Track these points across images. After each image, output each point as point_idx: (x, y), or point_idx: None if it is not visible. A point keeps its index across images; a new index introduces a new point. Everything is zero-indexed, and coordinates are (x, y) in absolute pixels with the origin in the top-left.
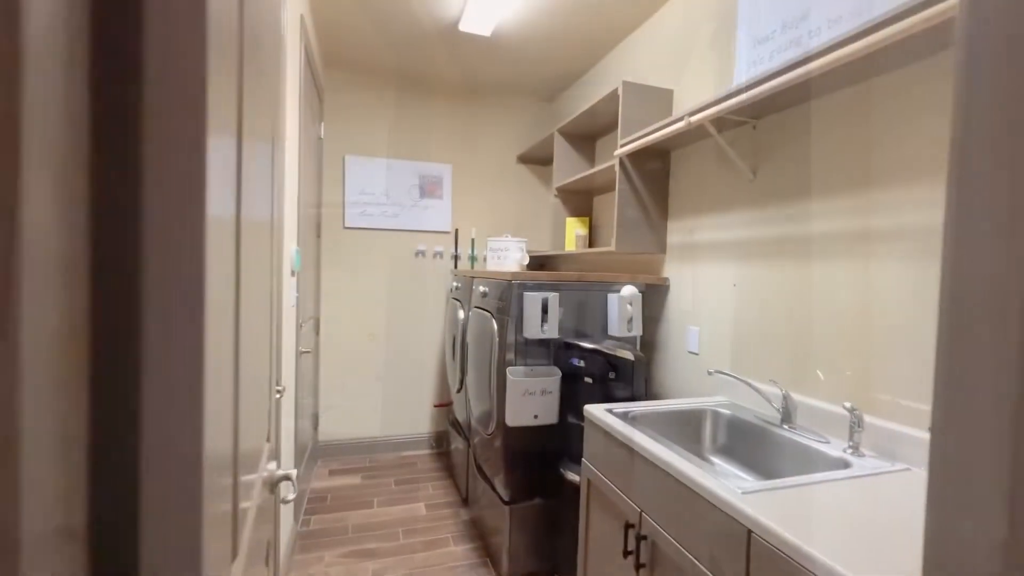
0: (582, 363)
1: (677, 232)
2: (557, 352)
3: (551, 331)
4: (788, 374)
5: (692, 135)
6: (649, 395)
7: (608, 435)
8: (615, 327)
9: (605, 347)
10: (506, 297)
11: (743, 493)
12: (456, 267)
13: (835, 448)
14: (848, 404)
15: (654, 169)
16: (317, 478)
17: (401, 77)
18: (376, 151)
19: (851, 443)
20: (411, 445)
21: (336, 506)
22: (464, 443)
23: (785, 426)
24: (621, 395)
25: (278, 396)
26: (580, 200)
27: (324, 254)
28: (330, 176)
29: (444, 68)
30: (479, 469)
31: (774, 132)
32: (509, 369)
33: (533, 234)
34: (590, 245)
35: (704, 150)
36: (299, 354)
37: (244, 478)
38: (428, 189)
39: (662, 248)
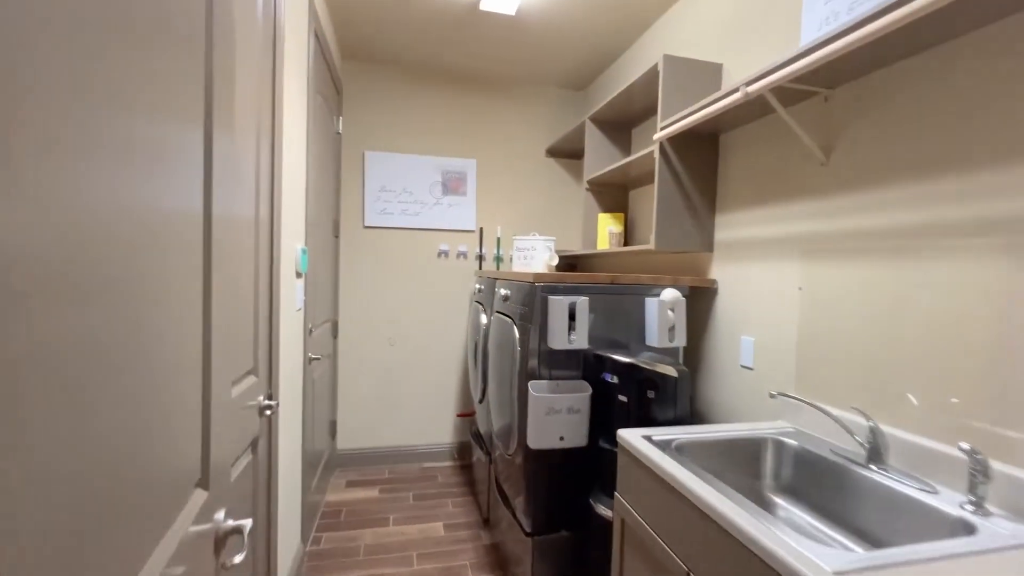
0: (616, 379)
1: (727, 227)
2: (587, 364)
3: (580, 341)
4: (871, 399)
5: (747, 112)
6: (694, 416)
7: (646, 468)
8: (654, 336)
9: (643, 360)
10: (529, 302)
11: (836, 575)
12: (480, 268)
13: (948, 502)
14: (966, 445)
15: (700, 155)
16: (333, 490)
17: (422, 68)
18: (397, 146)
19: (972, 497)
20: (432, 456)
21: (350, 522)
22: (486, 457)
23: (873, 466)
24: (661, 417)
25: (268, 413)
26: (614, 194)
27: (343, 254)
28: (349, 173)
29: (467, 56)
30: (500, 490)
31: (852, 103)
32: (532, 383)
33: (563, 232)
34: (625, 243)
35: (762, 130)
36: (308, 361)
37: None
38: (451, 186)
39: (708, 246)
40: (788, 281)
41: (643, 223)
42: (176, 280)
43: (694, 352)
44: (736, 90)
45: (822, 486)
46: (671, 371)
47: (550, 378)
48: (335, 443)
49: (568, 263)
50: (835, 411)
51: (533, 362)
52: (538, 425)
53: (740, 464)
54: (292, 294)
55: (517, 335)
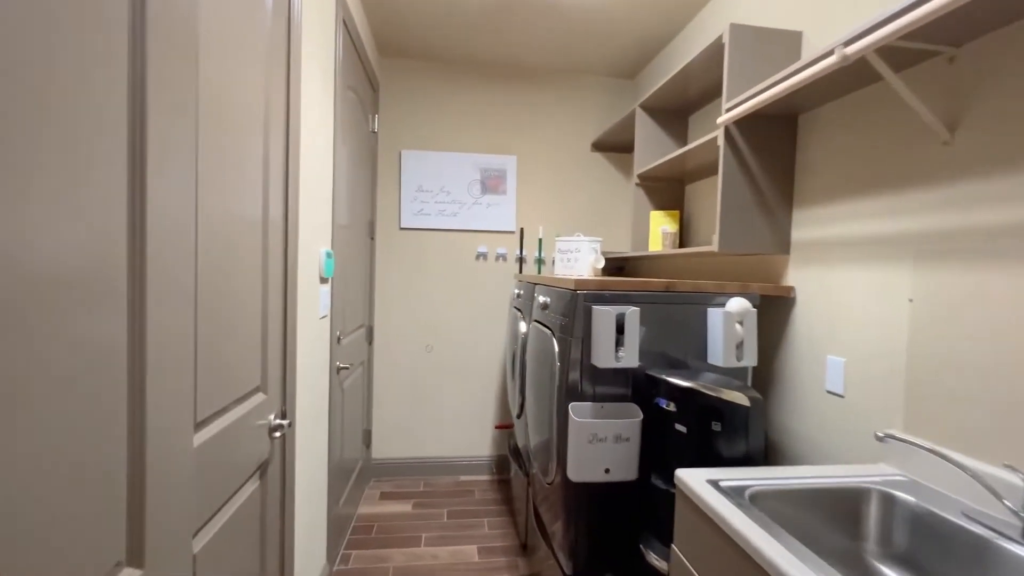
0: (672, 406)
1: (807, 224)
2: (637, 384)
3: (629, 359)
4: (1018, 445)
5: (839, 83)
6: (768, 451)
7: (710, 521)
8: (718, 354)
9: (705, 385)
10: (570, 312)
11: None
12: (521, 271)
13: None
14: None
15: (773, 140)
16: (367, 502)
17: (459, 61)
18: (434, 144)
19: None
20: (469, 469)
21: (381, 540)
22: (524, 477)
23: None
24: (728, 453)
25: (277, 435)
26: (668, 189)
27: (379, 257)
28: (385, 173)
29: (507, 47)
30: (537, 517)
31: (987, 64)
32: (573, 406)
33: (609, 232)
34: (681, 244)
35: (858, 105)
36: (336, 370)
37: None
38: (490, 184)
39: (783, 247)
40: (894, 290)
41: (702, 221)
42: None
43: (765, 372)
44: (829, 53)
45: (952, 561)
46: (741, 399)
47: (594, 399)
48: (370, 452)
49: (615, 266)
50: (971, 462)
51: (574, 381)
52: (580, 454)
53: (834, 521)
54: (315, 301)
55: (556, 349)
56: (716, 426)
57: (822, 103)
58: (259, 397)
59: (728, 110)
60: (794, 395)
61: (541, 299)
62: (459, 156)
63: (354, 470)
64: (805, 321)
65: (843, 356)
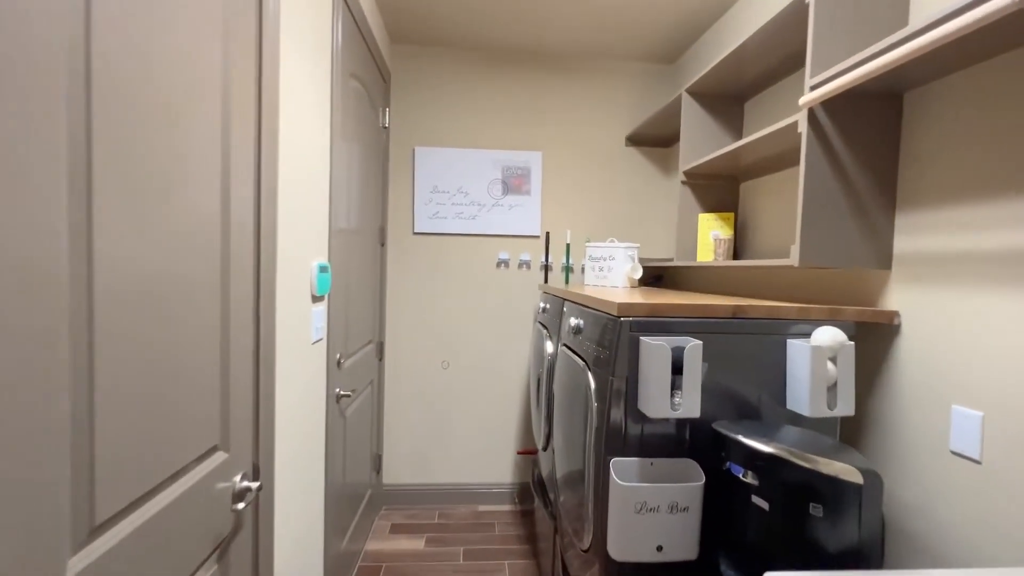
0: (752, 476)
1: (917, 231)
2: (695, 436)
3: (689, 407)
4: None
5: (977, 46)
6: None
7: None
8: (802, 400)
9: (798, 452)
10: (610, 342)
11: None
12: (546, 280)
13: None
14: None
15: (871, 124)
16: (375, 536)
17: (479, 48)
18: (451, 140)
19: None
20: (489, 498)
21: None
22: (550, 520)
23: None
24: (834, 545)
25: (241, 505)
26: (720, 188)
27: (390, 265)
28: (397, 173)
29: (532, 30)
30: (565, 571)
31: None
32: (615, 463)
33: (646, 237)
34: (735, 255)
35: (997, 74)
36: (337, 398)
37: None
38: (513, 184)
39: (883, 260)
40: None
41: (761, 226)
42: None
43: (856, 419)
44: None
45: None
46: (851, 474)
47: (641, 451)
48: (380, 478)
49: (653, 275)
50: None
51: (616, 429)
52: (625, 527)
53: None
54: (305, 324)
55: (592, 386)
56: (816, 509)
57: (942, 74)
58: (217, 458)
59: (814, 87)
60: (901, 453)
61: (572, 321)
62: (478, 153)
63: (362, 500)
64: (915, 357)
65: (977, 408)
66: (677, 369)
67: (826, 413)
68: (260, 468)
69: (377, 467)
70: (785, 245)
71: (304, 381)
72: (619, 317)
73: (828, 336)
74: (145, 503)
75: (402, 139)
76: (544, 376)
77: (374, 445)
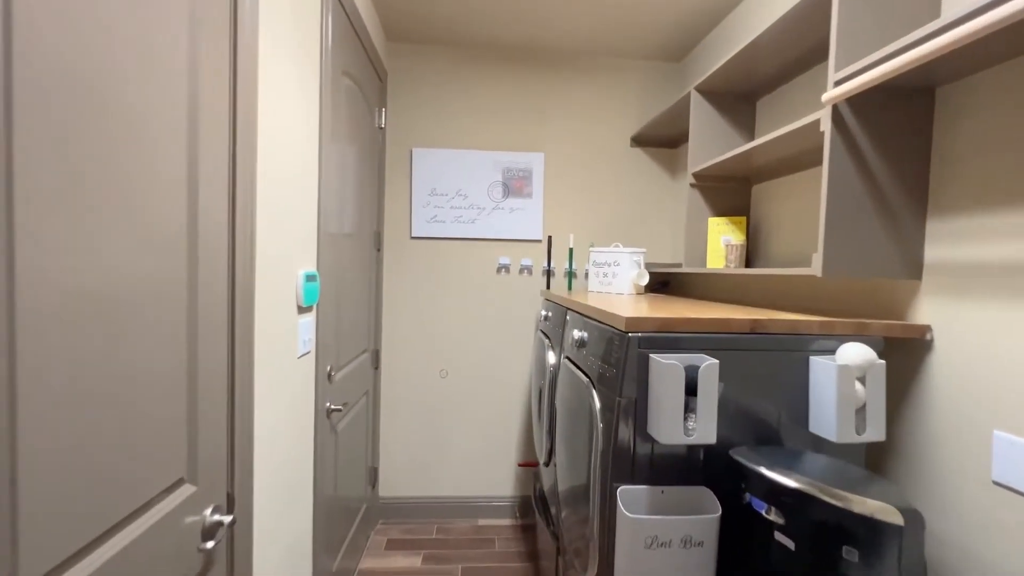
0: (775, 513)
1: (951, 239)
2: (711, 463)
3: (704, 432)
4: None
5: (1015, 41)
6: None
7: None
8: (828, 423)
9: (828, 489)
10: (617, 360)
11: None
12: (549, 286)
13: None
14: None
15: (900, 122)
16: (370, 553)
17: (478, 46)
18: (450, 141)
19: None
20: (489, 511)
21: None
22: (552, 539)
23: None
24: None
25: (211, 543)
26: (731, 191)
27: (387, 271)
28: (394, 175)
29: (533, 28)
30: None
31: None
32: (622, 491)
33: (652, 241)
34: (748, 262)
35: None
36: (328, 413)
37: None
38: (514, 186)
39: (912, 269)
40: None
41: (776, 230)
42: None
43: (891, 446)
44: None
45: None
46: (889, 514)
47: (651, 479)
48: (376, 491)
49: (659, 280)
50: None
51: (623, 454)
52: (633, 562)
53: None
54: (290, 337)
55: (597, 406)
56: (850, 553)
57: (982, 67)
58: (183, 492)
59: (839, 82)
60: (935, 483)
61: (576, 334)
62: (478, 154)
63: (357, 514)
64: (950, 376)
65: (1022, 434)
66: (691, 390)
67: (855, 439)
68: (236, 498)
69: (373, 480)
70: (802, 251)
71: (290, 398)
72: (626, 332)
73: (856, 354)
74: (90, 553)
75: (399, 140)
76: (546, 388)
77: (370, 457)
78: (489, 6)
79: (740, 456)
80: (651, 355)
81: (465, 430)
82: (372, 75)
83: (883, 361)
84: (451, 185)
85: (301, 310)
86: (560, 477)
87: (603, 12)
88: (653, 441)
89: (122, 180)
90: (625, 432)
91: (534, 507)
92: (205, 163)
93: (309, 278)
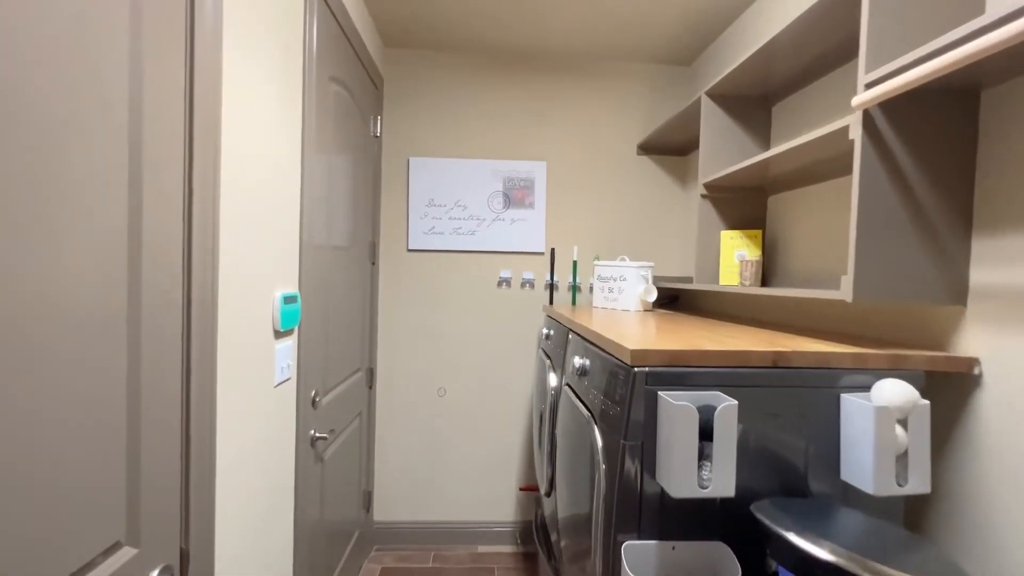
0: None
1: (1003, 260)
2: (729, 517)
3: (721, 485)
4: None
5: None
6: None
7: None
8: (864, 472)
9: (872, 566)
10: (621, 397)
11: None
12: (552, 301)
13: None
14: None
15: (939, 129)
16: None
17: (478, 51)
18: (449, 150)
19: None
20: (489, 537)
21: None
22: (553, 575)
23: None
24: None
25: None
26: (745, 202)
27: (382, 285)
28: (390, 185)
29: (536, 31)
30: None
31: None
32: (627, 547)
33: (661, 253)
34: (764, 281)
35: None
36: (312, 441)
37: None
38: (515, 196)
39: (956, 294)
40: None
41: (796, 245)
42: None
43: (938, 498)
44: None
45: None
46: None
47: (661, 532)
48: (371, 516)
49: (668, 295)
50: None
51: (629, 502)
52: None
53: None
54: (265, 365)
55: (600, 444)
56: None
57: None
58: (121, 557)
59: (870, 85)
60: (988, 544)
61: (577, 361)
62: (478, 163)
63: (350, 540)
64: (1002, 416)
65: None
66: (705, 433)
67: (895, 491)
68: (191, 554)
69: (367, 504)
70: (825, 269)
71: (264, 431)
72: (632, 367)
73: (896, 393)
74: None
75: (396, 149)
76: (547, 413)
77: (364, 481)
78: (489, 10)
79: (763, 514)
80: (660, 393)
81: (464, 452)
82: (366, 82)
83: (927, 401)
84: (450, 195)
85: (279, 334)
86: (561, 511)
87: (608, 14)
88: (663, 496)
89: (40, 196)
90: (631, 477)
91: (535, 538)
92: (152, 178)
93: (288, 299)
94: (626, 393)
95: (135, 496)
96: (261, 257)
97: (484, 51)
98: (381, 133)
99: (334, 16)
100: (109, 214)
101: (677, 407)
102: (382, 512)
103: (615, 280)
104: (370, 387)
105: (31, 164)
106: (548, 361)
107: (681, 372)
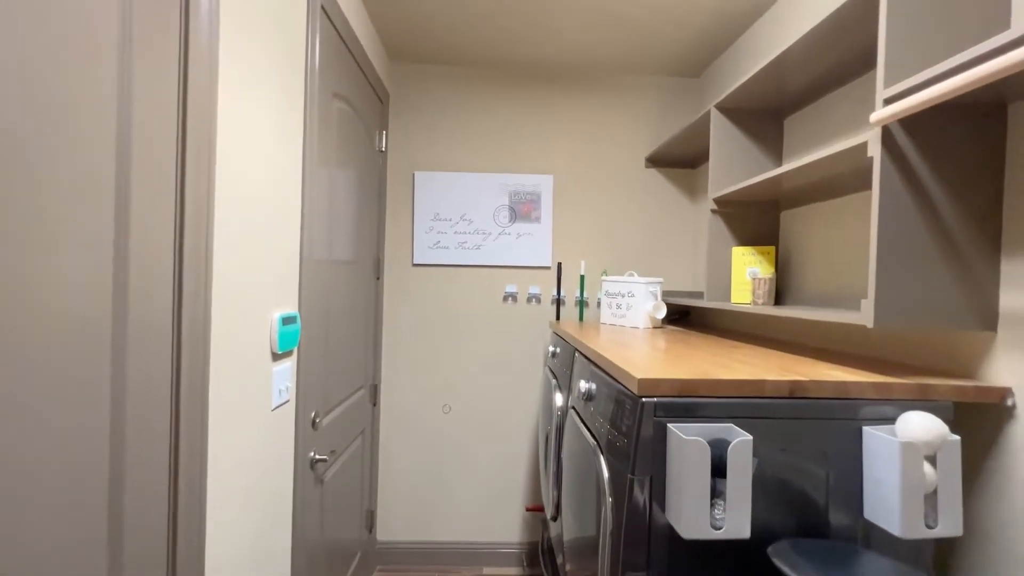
0: None
1: None
2: (743, 554)
3: (735, 526)
4: None
5: None
6: None
7: None
8: (891, 513)
9: None
10: (628, 427)
11: None
12: (559, 316)
13: None
14: None
15: (962, 145)
16: None
17: (484, 64)
18: (454, 164)
19: None
20: (495, 559)
21: None
22: None
23: None
24: None
25: None
26: (758, 217)
27: (387, 300)
28: (396, 200)
29: (542, 42)
30: None
31: None
32: None
33: (671, 268)
34: (778, 299)
35: None
36: (311, 463)
37: None
38: (521, 210)
39: (985, 319)
40: None
41: (811, 262)
42: None
43: (970, 539)
44: None
45: None
46: None
47: (671, 571)
48: (373, 536)
49: (677, 310)
50: None
51: (637, 540)
52: None
53: None
54: (263, 387)
55: (606, 476)
56: None
57: None
58: None
59: (889, 100)
60: None
61: (583, 385)
62: (483, 177)
63: (352, 560)
64: None
65: None
66: (718, 469)
67: (924, 534)
68: None
69: (370, 524)
70: (842, 288)
71: (260, 457)
72: (640, 396)
73: (923, 428)
74: None
75: (401, 163)
76: (552, 435)
77: (366, 500)
78: (495, 23)
79: (781, 560)
80: (669, 426)
81: (469, 470)
82: (371, 97)
83: (957, 437)
84: (455, 209)
85: (276, 356)
86: (567, 535)
87: (615, 26)
88: (672, 538)
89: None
90: (639, 513)
91: (541, 563)
92: (139, 187)
93: (286, 320)
94: (633, 424)
95: (117, 534)
96: (258, 277)
97: (490, 64)
98: (387, 147)
99: (337, 32)
100: (93, 231)
101: (687, 442)
102: (385, 532)
103: (623, 296)
104: (374, 404)
105: (11, 177)
106: (554, 380)
107: (692, 403)
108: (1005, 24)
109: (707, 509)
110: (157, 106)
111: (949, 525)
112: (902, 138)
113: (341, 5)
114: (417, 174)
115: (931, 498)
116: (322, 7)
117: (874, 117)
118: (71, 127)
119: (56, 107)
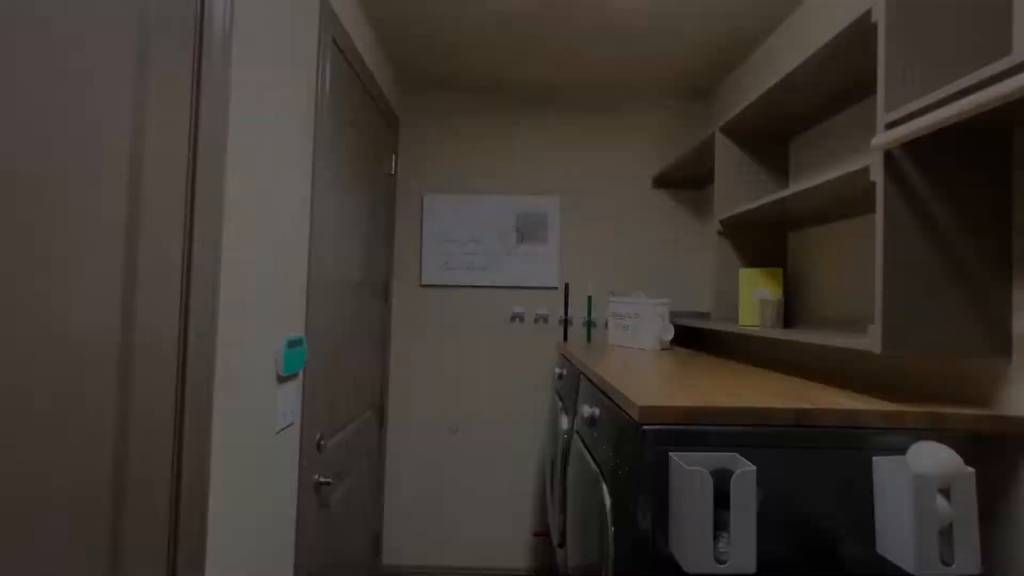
0: None
1: None
2: None
3: (740, 561)
4: None
5: None
6: None
7: None
8: (905, 549)
9: None
10: (629, 454)
11: None
12: (566, 337)
13: None
14: None
15: (967, 170)
16: None
17: (491, 87)
18: (462, 186)
19: None
20: None
21: None
22: None
23: None
24: None
25: None
26: (765, 238)
27: (395, 321)
28: (404, 222)
29: (549, 65)
30: None
31: None
32: None
33: (679, 288)
34: (786, 321)
35: None
36: (315, 487)
37: None
38: (528, 231)
39: (998, 344)
40: None
41: (819, 284)
42: None
43: None
44: None
45: None
46: None
47: None
48: (379, 559)
49: (687, 331)
50: None
51: (640, 572)
52: None
53: None
54: (267, 410)
55: (608, 504)
56: None
57: None
58: None
59: (890, 125)
60: None
61: (587, 409)
62: (491, 199)
63: None
64: None
65: None
66: (722, 500)
67: (940, 571)
68: None
69: (376, 547)
70: (852, 311)
71: (263, 481)
72: (642, 424)
73: (936, 461)
74: None
75: (410, 186)
76: (558, 459)
77: (372, 522)
78: (503, 49)
79: None
80: (671, 455)
81: (476, 492)
82: (380, 122)
83: (972, 470)
84: (463, 231)
85: (282, 379)
86: (571, 561)
87: (623, 49)
88: (676, 571)
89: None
90: (641, 543)
91: None
92: (149, 212)
93: (292, 343)
94: (635, 452)
95: (118, 557)
96: (265, 300)
97: (498, 90)
98: (396, 171)
99: (347, 62)
100: (102, 253)
101: (689, 472)
102: (391, 555)
103: (629, 317)
104: (380, 426)
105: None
106: (560, 403)
107: (695, 431)
108: (1006, 47)
109: (710, 542)
110: (169, 132)
111: (966, 562)
112: (905, 163)
113: (351, 35)
114: (426, 196)
115: (945, 533)
116: (333, 39)
117: (875, 142)
118: (87, 154)
119: (73, 126)
